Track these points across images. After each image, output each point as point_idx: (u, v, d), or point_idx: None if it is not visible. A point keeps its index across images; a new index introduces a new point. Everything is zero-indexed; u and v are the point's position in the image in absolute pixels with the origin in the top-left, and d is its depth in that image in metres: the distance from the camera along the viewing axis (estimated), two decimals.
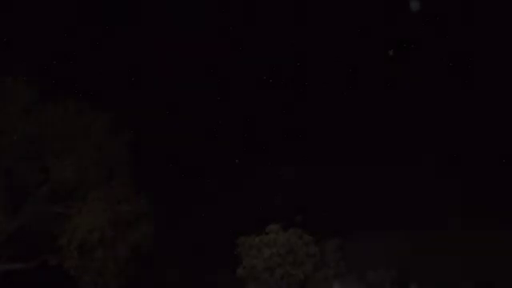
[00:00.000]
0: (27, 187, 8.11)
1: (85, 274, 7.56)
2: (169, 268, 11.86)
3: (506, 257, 9.94)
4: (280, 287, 8.66)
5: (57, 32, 12.04)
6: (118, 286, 7.58)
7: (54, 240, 7.63)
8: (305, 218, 10.49)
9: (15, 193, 8.04)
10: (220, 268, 11.45)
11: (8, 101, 7.93)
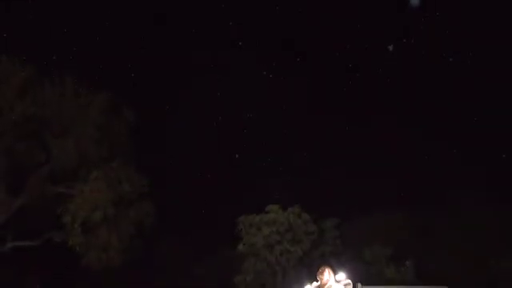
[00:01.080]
0: (28, 167, 8.18)
1: (89, 250, 7.77)
2: (171, 245, 12.20)
3: (504, 235, 10.23)
4: (279, 263, 8.96)
5: (52, 10, 11.75)
6: (122, 261, 7.81)
7: (57, 218, 7.78)
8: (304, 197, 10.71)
9: (17, 173, 8.12)
10: (221, 245, 11.81)
11: (4, 80, 7.86)
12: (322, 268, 4.11)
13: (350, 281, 3.86)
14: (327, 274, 4.04)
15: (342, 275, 4.03)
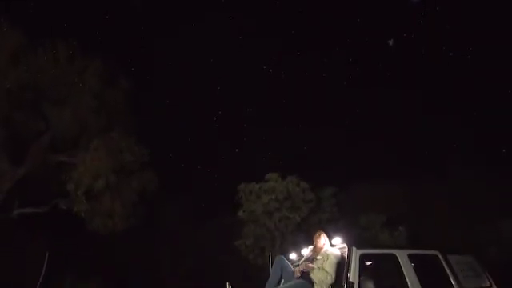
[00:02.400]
0: (28, 137, 8.18)
1: (95, 216, 8.02)
2: (172, 211, 12.64)
3: (492, 202, 10.59)
4: (278, 229, 9.31)
5: None
6: (126, 227, 8.09)
7: (61, 186, 7.92)
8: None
9: (17, 142, 8.13)
10: (221, 212, 12.24)
11: None
12: (318, 233, 4.29)
13: (345, 244, 4.04)
14: (323, 239, 4.23)
15: (337, 239, 4.22)
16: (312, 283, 3.76)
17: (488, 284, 4.69)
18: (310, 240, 4.40)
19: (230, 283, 3.55)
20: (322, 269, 3.75)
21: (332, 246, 4.17)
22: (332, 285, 3.68)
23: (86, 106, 7.96)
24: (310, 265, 3.81)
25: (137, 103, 9.40)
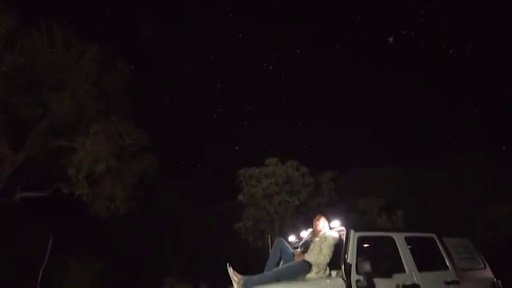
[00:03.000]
0: (27, 121, 8.14)
1: (96, 200, 8.10)
2: (173, 195, 12.80)
3: (488, 187, 10.71)
4: (277, 212, 9.45)
5: None
6: (128, 210, 8.20)
7: (62, 170, 7.96)
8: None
9: (17, 127, 8.10)
10: (222, 196, 12.41)
11: None
12: (318, 216, 4.36)
13: (343, 227, 4.12)
14: (322, 222, 4.30)
15: (336, 222, 4.29)
16: (310, 264, 3.86)
17: (482, 266, 4.81)
18: (308, 223, 4.48)
19: (230, 264, 3.63)
20: (319, 249, 3.84)
21: (331, 228, 4.25)
22: (330, 266, 3.78)
23: (84, 91, 7.88)
24: (301, 256, 3.89)
25: (136, 88, 9.32)
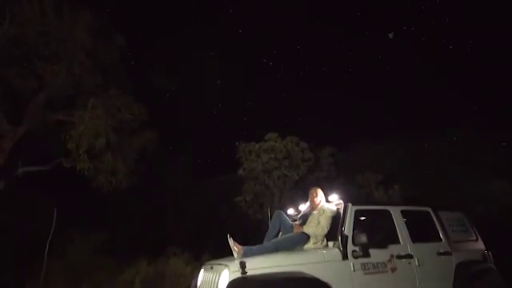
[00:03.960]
0: (24, 95, 8.01)
1: (98, 174, 8.19)
2: (174, 169, 12.97)
3: (485, 162, 10.85)
4: (277, 186, 9.59)
5: None
6: (129, 183, 8.31)
7: (63, 145, 7.96)
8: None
9: (14, 101, 7.99)
10: (222, 170, 12.57)
11: None
12: (315, 189, 4.44)
13: (341, 201, 4.20)
14: (319, 196, 4.39)
15: (334, 196, 4.37)
16: (308, 236, 3.98)
17: (474, 238, 4.98)
18: (307, 197, 4.57)
19: (231, 235, 3.74)
20: (317, 222, 3.95)
21: (328, 202, 4.34)
22: (327, 238, 3.90)
23: (80, 63, 7.67)
24: (300, 228, 3.99)
25: (133, 61, 9.10)
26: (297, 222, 4.31)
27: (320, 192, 4.40)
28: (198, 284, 3.80)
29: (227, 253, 3.86)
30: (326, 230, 3.87)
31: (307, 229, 3.96)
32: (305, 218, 4.31)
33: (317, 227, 3.88)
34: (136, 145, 8.43)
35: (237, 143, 9.86)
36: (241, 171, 9.89)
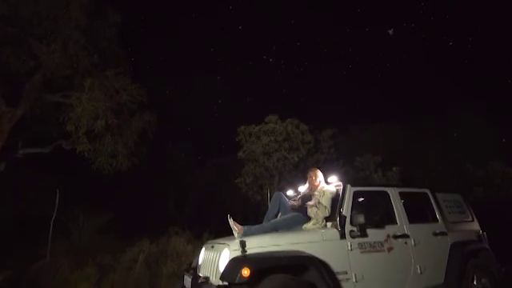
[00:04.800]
0: (20, 76, 7.90)
1: (99, 156, 8.20)
2: (175, 151, 13.03)
3: (485, 144, 10.87)
4: (276, 168, 9.65)
5: None
6: (130, 165, 8.34)
7: (62, 127, 7.93)
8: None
9: (10, 83, 7.89)
10: (222, 152, 12.62)
11: None
12: (315, 171, 4.47)
13: (340, 182, 4.24)
14: (319, 177, 4.42)
15: (333, 178, 4.41)
16: (308, 217, 4.05)
17: (470, 219, 5.07)
18: (306, 179, 4.60)
19: (231, 216, 3.80)
20: (318, 204, 4.00)
21: (328, 183, 4.38)
22: (326, 218, 3.97)
23: (75, 42, 7.49)
24: (310, 203, 4.05)
25: (131, 43, 8.90)
26: (295, 203, 4.36)
27: (319, 173, 4.44)
28: (200, 262, 3.90)
29: (228, 233, 3.94)
30: (327, 212, 3.93)
31: (309, 210, 4.02)
32: (304, 199, 4.36)
33: (318, 209, 3.94)
34: (136, 127, 8.38)
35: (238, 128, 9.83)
36: (241, 153, 9.91)
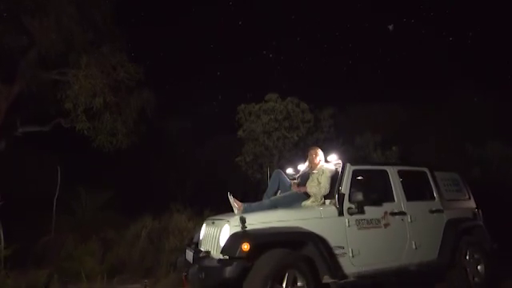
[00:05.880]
0: (14, 54, 7.71)
1: (98, 135, 8.19)
2: (174, 129, 13.00)
3: (485, 124, 10.85)
4: (276, 147, 9.66)
5: None
6: (130, 144, 8.34)
7: (61, 105, 7.85)
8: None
9: (4, 60, 7.71)
10: (221, 131, 12.60)
11: None
12: (315, 149, 4.48)
13: (340, 161, 4.26)
14: (318, 155, 4.44)
15: (333, 156, 4.42)
16: (307, 194, 4.10)
17: (467, 197, 5.15)
18: (306, 157, 4.62)
19: (231, 193, 3.85)
20: (317, 182, 4.05)
21: (327, 162, 4.40)
22: (325, 196, 4.02)
23: (68, 16, 7.24)
24: (302, 188, 4.08)
25: (127, 17, 8.60)
26: (295, 181, 4.41)
27: (320, 152, 4.45)
28: (201, 238, 4.00)
29: (228, 210, 4.01)
30: (326, 190, 3.98)
31: (308, 188, 4.07)
32: (304, 178, 4.40)
33: (317, 187, 3.99)
34: (134, 105, 8.30)
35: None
36: (240, 132, 9.89)
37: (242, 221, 3.30)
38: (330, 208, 3.82)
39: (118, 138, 8.14)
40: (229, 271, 3.04)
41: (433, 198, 4.70)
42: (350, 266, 3.64)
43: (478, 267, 4.62)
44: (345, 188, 3.89)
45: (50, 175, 7.47)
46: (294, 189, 4.23)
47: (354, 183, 3.96)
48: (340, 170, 4.07)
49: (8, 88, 7.63)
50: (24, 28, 7.29)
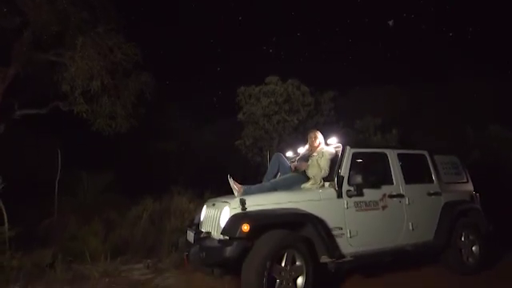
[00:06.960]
0: (8, 35, 7.51)
1: (97, 118, 8.13)
2: (174, 112, 12.93)
3: (484, 107, 10.78)
4: (276, 130, 9.64)
5: None
6: (129, 127, 8.30)
7: (58, 87, 7.75)
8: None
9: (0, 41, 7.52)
10: (221, 114, 12.54)
11: None
12: (315, 132, 4.47)
13: (340, 144, 4.26)
14: (319, 138, 4.43)
15: (333, 139, 4.42)
16: (307, 177, 4.13)
17: (465, 180, 5.20)
18: (306, 140, 4.61)
19: (231, 175, 3.87)
20: (316, 164, 4.06)
21: (327, 145, 4.40)
22: (325, 178, 4.05)
23: None
24: (304, 165, 4.10)
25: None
26: (295, 163, 4.43)
27: (320, 135, 4.44)
28: (202, 219, 4.06)
29: (228, 192, 4.04)
30: (326, 173, 4.00)
31: (308, 170, 4.09)
32: (303, 160, 4.41)
33: (317, 169, 4.01)
34: (133, 88, 8.18)
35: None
36: (240, 115, 9.83)
37: (242, 202, 3.34)
38: (329, 190, 3.86)
39: (117, 122, 8.09)
40: (229, 251, 3.11)
41: (431, 180, 4.74)
42: (347, 246, 3.72)
43: (473, 248, 4.73)
44: (344, 171, 3.91)
45: (50, 158, 7.47)
46: (295, 165, 4.26)
47: (353, 166, 3.98)
48: (340, 152, 4.08)
49: (3, 70, 7.49)
50: (17, 7, 7.07)
